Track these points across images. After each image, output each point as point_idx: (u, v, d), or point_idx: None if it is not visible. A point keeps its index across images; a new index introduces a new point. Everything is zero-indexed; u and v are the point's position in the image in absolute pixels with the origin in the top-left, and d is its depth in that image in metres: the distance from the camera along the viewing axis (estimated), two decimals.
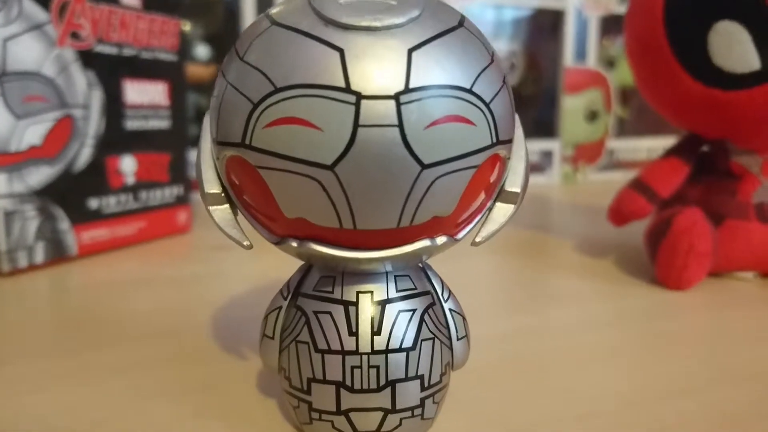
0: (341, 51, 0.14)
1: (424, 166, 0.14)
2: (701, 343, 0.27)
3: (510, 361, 0.25)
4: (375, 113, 0.14)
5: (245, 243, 0.17)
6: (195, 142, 0.53)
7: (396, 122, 0.14)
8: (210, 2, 0.66)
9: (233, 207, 0.17)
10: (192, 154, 0.52)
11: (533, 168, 0.78)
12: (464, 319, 0.19)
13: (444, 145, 0.14)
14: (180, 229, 0.47)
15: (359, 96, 0.14)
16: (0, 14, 0.33)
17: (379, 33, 0.14)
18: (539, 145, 0.78)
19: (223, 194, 0.17)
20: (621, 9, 0.79)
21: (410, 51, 0.14)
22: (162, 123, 0.45)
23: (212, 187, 0.17)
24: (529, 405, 0.21)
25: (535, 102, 0.81)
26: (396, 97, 0.14)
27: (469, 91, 0.15)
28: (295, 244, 0.16)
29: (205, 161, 0.17)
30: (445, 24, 0.15)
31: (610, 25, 0.79)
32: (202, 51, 0.66)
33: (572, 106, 0.79)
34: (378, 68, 0.14)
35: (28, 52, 0.35)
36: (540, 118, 0.80)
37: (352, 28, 0.14)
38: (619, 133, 0.83)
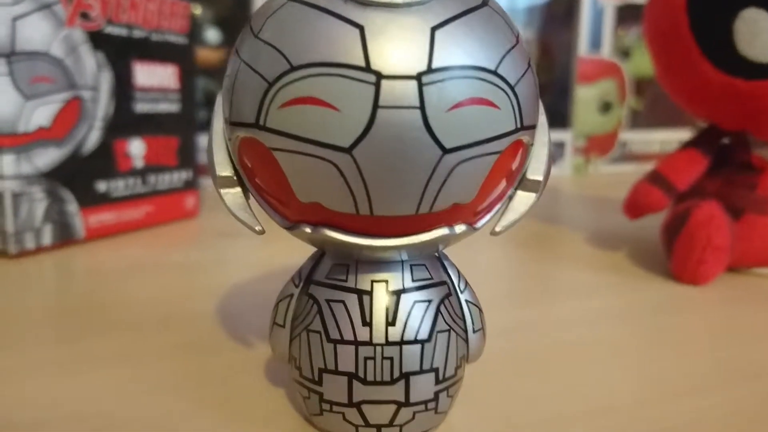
0: (361, 28, 0.13)
1: (446, 151, 0.14)
2: (715, 339, 0.27)
3: (520, 354, 0.24)
4: (395, 94, 0.13)
5: (257, 228, 0.16)
6: (204, 126, 0.52)
7: (417, 104, 0.13)
8: None
9: (245, 190, 0.17)
10: (201, 139, 0.52)
11: None
12: (480, 310, 0.18)
13: (466, 128, 0.14)
14: (188, 214, 0.47)
15: (379, 76, 0.13)
16: None
17: (400, 10, 0.13)
18: (551, 135, 0.77)
19: (234, 177, 0.16)
20: None
21: (433, 29, 0.13)
22: (171, 106, 0.44)
23: (224, 169, 0.16)
24: (538, 400, 0.21)
25: (547, 91, 0.80)
26: (418, 77, 0.13)
27: (494, 72, 0.14)
28: (308, 230, 0.16)
29: (217, 143, 0.17)
30: (468, 2, 0.14)
31: (626, 14, 0.78)
32: (212, 35, 0.65)
33: (585, 97, 0.78)
34: (399, 47, 0.13)
35: (37, 32, 0.34)
36: (552, 107, 0.79)
37: (373, 5, 0.13)
38: (632, 125, 0.82)
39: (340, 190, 0.14)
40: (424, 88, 0.13)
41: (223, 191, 0.17)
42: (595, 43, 0.77)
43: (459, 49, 0.14)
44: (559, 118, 0.78)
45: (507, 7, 0.76)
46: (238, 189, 0.17)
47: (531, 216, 0.54)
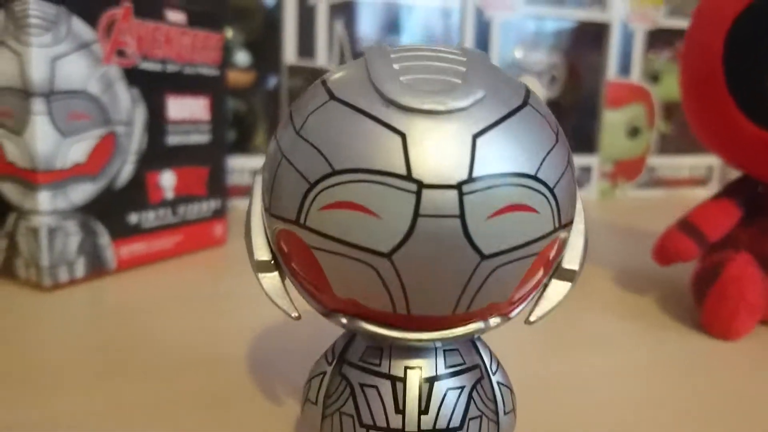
0: (403, 135, 0.13)
1: (484, 257, 0.14)
2: (746, 400, 0.26)
3: (542, 408, 0.24)
4: (436, 203, 0.13)
5: (294, 314, 0.17)
6: (233, 149, 0.53)
7: (457, 213, 0.13)
8: (251, 9, 0.65)
9: (282, 273, 0.17)
10: (230, 161, 0.52)
11: None
12: (512, 392, 0.18)
13: (506, 235, 0.14)
14: (216, 241, 0.48)
15: (420, 185, 0.13)
16: (49, 34, 0.34)
17: (442, 117, 0.14)
18: (578, 159, 0.77)
19: (272, 261, 0.17)
20: (668, 22, 0.76)
21: (474, 137, 0.14)
22: (202, 137, 0.45)
23: (262, 254, 0.17)
24: None
25: (575, 115, 0.79)
26: (459, 186, 0.13)
27: (534, 177, 0.14)
28: (344, 321, 0.16)
29: (256, 225, 0.17)
30: (509, 104, 0.14)
31: (657, 38, 0.77)
32: (242, 57, 0.66)
33: (613, 121, 0.77)
34: (441, 155, 0.13)
35: (75, 71, 0.35)
36: (579, 131, 0.79)
37: (415, 111, 0.14)
38: (661, 150, 0.81)
39: (378, 291, 0.14)
40: (465, 198, 0.13)
41: (261, 275, 0.17)
42: (625, 67, 0.77)
43: (500, 157, 0.14)
44: (586, 142, 0.78)
45: (535, 29, 0.76)
46: (276, 273, 0.17)
47: None
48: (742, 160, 0.34)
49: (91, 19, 0.36)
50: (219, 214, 0.48)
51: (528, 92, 0.15)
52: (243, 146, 0.66)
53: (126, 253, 0.40)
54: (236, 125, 0.67)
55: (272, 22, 0.64)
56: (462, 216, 0.13)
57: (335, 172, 0.14)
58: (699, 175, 0.80)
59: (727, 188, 0.35)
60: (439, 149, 0.13)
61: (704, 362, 0.30)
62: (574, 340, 0.33)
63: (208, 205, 0.46)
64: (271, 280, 0.17)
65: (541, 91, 0.75)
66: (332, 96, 0.15)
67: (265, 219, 0.16)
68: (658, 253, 0.35)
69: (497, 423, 0.18)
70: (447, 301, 0.14)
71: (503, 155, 0.14)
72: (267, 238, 0.17)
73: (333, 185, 0.14)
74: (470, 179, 0.13)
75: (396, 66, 0.15)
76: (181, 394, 0.25)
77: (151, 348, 0.29)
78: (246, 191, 0.62)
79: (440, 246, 0.13)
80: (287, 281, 0.17)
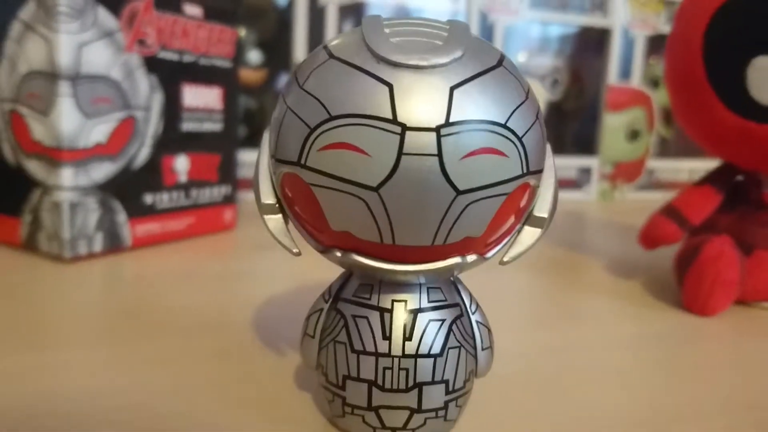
0: (390, 86, 0.16)
1: (459, 192, 0.16)
2: (721, 370, 0.28)
3: (530, 375, 0.26)
4: (417, 143, 0.15)
5: (294, 250, 0.19)
6: (244, 143, 0.56)
7: (436, 152, 0.16)
8: (264, 9, 0.68)
9: (285, 217, 0.19)
10: (241, 155, 0.55)
11: (570, 183, 0.79)
12: (489, 331, 0.21)
13: (478, 174, 0.16)
14: (226, 226, 0.50)
15: (404, 127, 0.15)
16: (76, 22, 0.36)
17: (425, 71, 0.16)
18: (578, 161, 0.79)
19: (277, 205, 0.19)
20: (668, 29, 0.78)
21: (452, 89, 0.16)
22: (215, 126, 0.47)
23: (268, 198, 0.19)
24: (544, 419, 0.22)
25: (576, 117, 0.81)
26: (437, 129, 0.15)
27: (504, 126, 0.16)
28: (339, 254, 0.18)
29: (263, 174, 0.19)
30: (484, 63, 0.17)
31: (657, 44, 0.79)
32: (254, 56, 0.68)
33: (614, 124, 0.79)
34: (422, 103, 0.16)
35: (99, 58, 0.38)
36: (580, 134, 0.81)
37: (401, 66, 0.16)
38: (660, 153, 0.83)
39: (368, 222, 0.16)
40: (442, 139, 0.16)
41: (266, 217, 0.19)
42: (626, 72, 0.79)
43: (474, 106, 0.16)
44: (587, 145, 0.80)
45: (539, 35, 0.78)
46: (280, 216, 0.19)
47: (553, 240, 0.55)
48: (723, 149, 0.36)
49: (115, 10, 0.39)
50: (229, 200, 0.50)
51: (503, 57, 0.18)
52: (254, 142, 0.69)
53: (141, 231, 0.43)
54: (247, 122, 0.69)
55: (284, 22, 0.67)
56: (440, 155, 0.16)
57: (332, 118, 0.16)
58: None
59: (709, 175, 0.37)
60: (420, 98, 0.16)
61: (683, 336, 0.32)
62: (562, 316, 0.35)
63: (219, 191, 0.49)
64: (275, 221, 0.19)
65: (543, 94, 0.77)
66: (331, 55, 0.17)
67: (271, 166, 0.18)
68: (644, 237, 0.37)
69: (475, 357, 0.20)
70: (427, 231, 0.17)
71: (477, 105, 0.16)
72: (273, 185, 0.19)
73: (330, 129, 0.16)
74: (447, 124, 0.16)
75: (387, 30, 0.17)
76: (188, 349, 0.27)
77: (162, 313, 0.31)
78: None
79: (421, 181, 0.16)
80: (290, 226, 0.19)
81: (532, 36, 0.79)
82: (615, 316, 0.35)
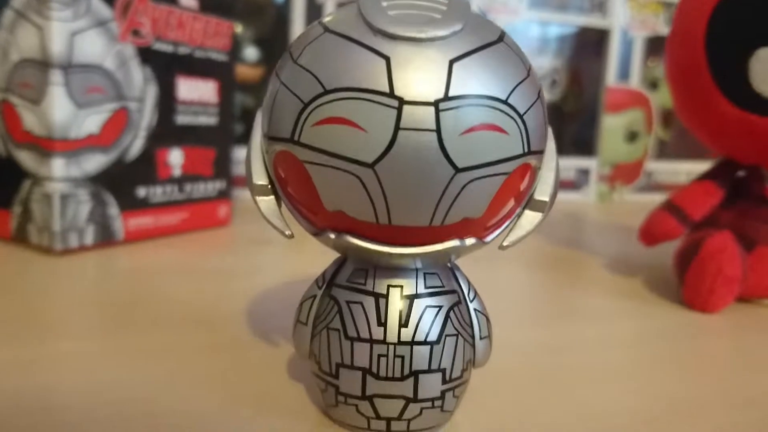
0: (387, 59, 0.15)
1: (458, 170, 0.15)
2: (721, 365, 0.28)
3: (530, 368, 0.26)
4: (415, 118, 0.15)
5: (287, 232, 0.18)
6: (240, 140, 0.55)
7: (434, 127, 0.15)
8: (261, 6, 0.68)
9: (278, 198, 0.19)
10: (237, 151, 0.54)
11: (569, 185, 0.78)
12: (488, 320, 0.20)
13: (477, 151, 0.15)
14: (220, 222, 0.49)
15: (401, 101, 0.15)
16: (69, 10, 0.36)
17: (423, 44, 0.15)
18: (577, 162, 0.78)
19: (269, 186, 0.18)
20: (668, 30, 0.78)
21: (451, 62, 0.15)
22: (210, 120, 0.47)
23: (260, 178, 0.18)
24: (543, 413, 0.22)
25: (575, 119, 0.81)
26: (435, 104, 0.15)
27: (505, 102, 0.16)
28: (332, 236, 0.17)
29: (255, 154, 0.19)
30: (485, 38, 0.16)
31: (656, 45, 0.79)
32: (251, 53, 0.68)
33: (612, 126, 0.79)
34: (420, 76, 0.15)
35: (93, 47, 0.37)
36: (579, 135, 0.80)
37: (399, 38, 0.15)
38: (658, 155, 0.83)
39: (363, 201, 0.16)
40: (441, 114, 0.15)
41: (258, 198, 0.18)
42: (624, 73, 0.79)
43: (473, 80, 0.15)
44: (585, 146, 0.79)
45: (538, 35, 0.78)
46: (272, 197, 0.18)
47: (554, 240, 0.55)
48: (725, 143, 0.36)
49: None
50: (224, 195, 0.49)
51: (504, 33, 0.17)
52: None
53: (134, 225, 0.42)
54: (244, 119, 0.69)
55: (282, 19, 0.66)
56: (438, 130, 0.15)
57: (327, 92, 0.15)
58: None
59: (710, 171, 0.36)
60: (419, 71, 0.15)
61: (684, 332, 0.31)
62: (562, 312, 0.34)
63: (214, 186, 0.48)
64: (267, 202, 0.18)
65: None
66: (327, 29, 0.16)
67: (264, 145, 0.18)
68: (645, 232, 0.37)
69: (473, 346, 0.19)
70: (424, 210, 0.16)
71: (477, 80, 0.15)
72: (265, 166, 0.18)
73: (324, 103, 0.15)
74: (446, 98, 0.15)
75: (385, 4, 0.16)
76: (181, 343, 0.26)
77: (155, 307, 0.30)
78: None
79: (418, 157, 0.15)
80: (283, 209, 0.19)
81: (531, 36, 0.78)
82: (615, 313, 0.34)
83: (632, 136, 0.80)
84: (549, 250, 0.48)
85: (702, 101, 0.34)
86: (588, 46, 0.79)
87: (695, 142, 0.43)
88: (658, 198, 0.79)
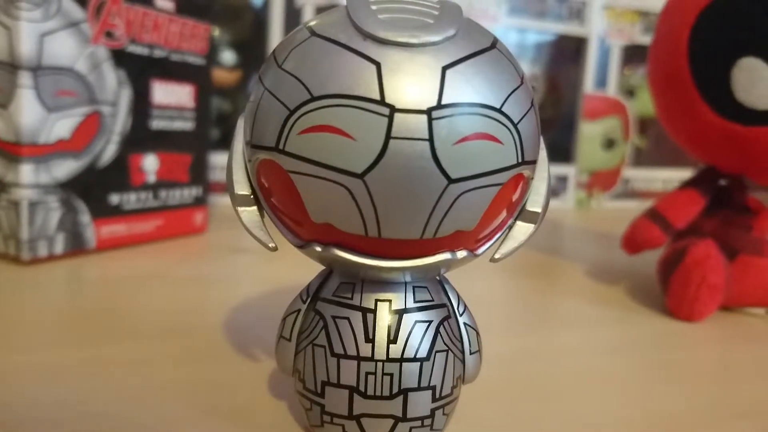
0: (378, 64, 0.14)
1: (451, 181, 0.15)
2: (706, 375, 0.27)
3: (516, 380, 0.25)
4: (407, 126, 0.14)
5: (270, 245, 0.17)
6: (217, 145, 0.54)
7: (427, 136, 0.14)
8: (239, 9, 0.67)
9: (260, 209, 0.18)
10: (213, 157, 0.53)
11: None
12: (478, 334, 0.19)
13: (471, 161, 0.15)
14: (196, 229, 0.48)
15: (393, 109, 0.14)
16: (39, 10, 0.34)
17: (415, 49, 0.15)
18: (554, 169, 0.78)
19: (251, 196, 0.18)
20: (644, 39, 0.79)
21: (444, 68, 0.15)
22: (186, 124, 0.46)
23: (242, 188, 0.17)
24: (531, 426, 0.21)
25: (552, 126, 0.81)
26: (428, 112, 0.14)
27: (499, 110, 0.15)
28: (319, 249, 0.17)
29: (237, 163, 0.18)
30: (478, 44, 0.16)
31: (632, 54, 0.80)
32: (228, 56, 0.67)
33: (590, 133, 0.79)
34: (412, 83, 0.14)
35: (63, 48, 0.36)
36: (557, 142, 0.80)
37: (390, 43, 0.15)
38: (635, 163, 0.83)
39: (351, 213, 0.15)
40: (434, 122, 0.14)
41: (240, 209, 0.18)
42: (601, 81, 0.79)
43: (467, 88, 0.15)
44: (563, 153, 0.79)
45: (517, 42, 0.78)
46: (254, 207, 0.18)
47: (533, 247, 0.54)
48: (708, 152, 0.36)
49: None
50: (200, 202, 0.48)
51: (496, 39, 0.17)
52: (227, 145, 0.67)
53: (106, 233, 0.41)
54: (221, 124, 0.67)
55: (260, 23, 0.65)
56: (431, 139, 0.14)
57: (314, 98, 0.15)
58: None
59: (693, 179, 0.36)
60: (410, 78, 0.14)
61: (668, 341, 0.31)
62: (545, 321, 0.34)
63: (190, 192, 0.47)
64: (249, 213, 0.18)
65: None
66: (313, 33, 0.16)
67: (247, 153, 0.17)
68: (627, 241, 0.37)
69: (463, 361, 0.19)
70: (416, 223, 0.15)
71: (470, 87, 0.15)
72: (247, 175, 0.17)
73: (311, 110, 0.15)
74: (439, 106, 0.14)
75: (374, 7, 0.16)
76: (155, 355, 0.25)
77: (128, 317, 0.29)
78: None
79: (410, 167, 0.14)
80: (266, 219, 0.18)
81: (509, 43, 0.78)
82: (599, 321, 0.34)
83: (609, 144, 0.80)
84: (530, 257, 0.48)
85: (685, 109, 0.34)
86: (566, 53, 0.80)
87: (671, 150, 0.43)
88: (635, 205, 0.79)
